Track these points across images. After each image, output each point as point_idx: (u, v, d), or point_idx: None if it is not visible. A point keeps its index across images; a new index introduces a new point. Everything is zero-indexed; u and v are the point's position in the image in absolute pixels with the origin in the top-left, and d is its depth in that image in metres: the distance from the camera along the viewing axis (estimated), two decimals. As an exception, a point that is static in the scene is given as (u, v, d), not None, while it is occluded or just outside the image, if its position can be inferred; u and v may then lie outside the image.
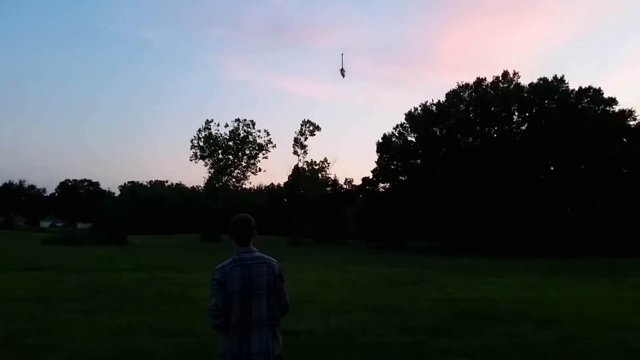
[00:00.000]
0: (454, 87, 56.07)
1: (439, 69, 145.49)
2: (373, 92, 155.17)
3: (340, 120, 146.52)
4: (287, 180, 68.27)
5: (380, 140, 60.24)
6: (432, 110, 56.52)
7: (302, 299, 11.00)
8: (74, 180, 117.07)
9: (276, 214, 77.34)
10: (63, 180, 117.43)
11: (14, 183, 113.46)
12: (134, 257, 26.34)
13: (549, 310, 11.04)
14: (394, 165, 59.87)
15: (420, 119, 56.96)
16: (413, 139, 58.63)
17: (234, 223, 3.29)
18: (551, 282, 18.12)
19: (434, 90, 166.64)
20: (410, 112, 58.66)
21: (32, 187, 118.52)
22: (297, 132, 65.11)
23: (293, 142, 65.19)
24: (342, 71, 38.03)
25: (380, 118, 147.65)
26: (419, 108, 57.98)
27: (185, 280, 15.88)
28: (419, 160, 57.81)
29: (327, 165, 66.98)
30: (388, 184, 61.79)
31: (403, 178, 59.58)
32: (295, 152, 65.36)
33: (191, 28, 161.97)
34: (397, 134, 59.67)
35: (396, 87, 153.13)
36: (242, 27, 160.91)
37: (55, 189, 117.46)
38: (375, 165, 61.12)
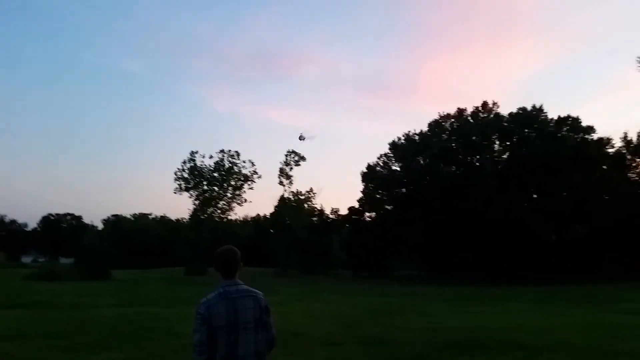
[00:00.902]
0: (436, 117, 57.15)
1: (421, 98, 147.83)
2: (356, 122, 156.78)
3: (325, 150, 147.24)
4: (273, 210, 68.02)
5: (365, 170, 60.65)
6: (415, 140, 57.30)
7: (289, 332, 10.85)
8: (56, 214, 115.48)
9: (262, 245, 76.69)
10: (45, 214, 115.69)
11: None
12: (117, 292, 25.82)
13: (538, 338, 11.04)
14: (379, 194, 60.16)
15: (403, 149, 57.65)
16: (397, 168, 59.18)
17: (219, 255, 3.26)
18: (539, 309, 18.17)
19: (416, 120, 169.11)
20: (394, 141, 59.37)
21: (13, 221, 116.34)
22: (282, 162, 65.33)
23: (278, 173, 65.29)
24: (301, 137, 38.92)
25: (365, 147, 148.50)
26: (402, 138, 58.78)
27: (169, 315, 15.59)
28: (403, 189, 58.23)
29: (313, 195, 66.98)
30: (374, 213, 61.93)
31: (389, 207, 59.82)
32: (280, 183, 65.33)
33: (176, 60, 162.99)
34: (381, 164, 60.21)
35: (379, 116, 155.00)
36: (227, 59, 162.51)
37: (37, 224, 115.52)
38: (360, 195, 61.38)
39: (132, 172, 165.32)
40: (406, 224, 51.59)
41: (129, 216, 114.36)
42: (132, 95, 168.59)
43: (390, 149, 59.69)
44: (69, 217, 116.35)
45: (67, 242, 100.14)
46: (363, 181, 60.52)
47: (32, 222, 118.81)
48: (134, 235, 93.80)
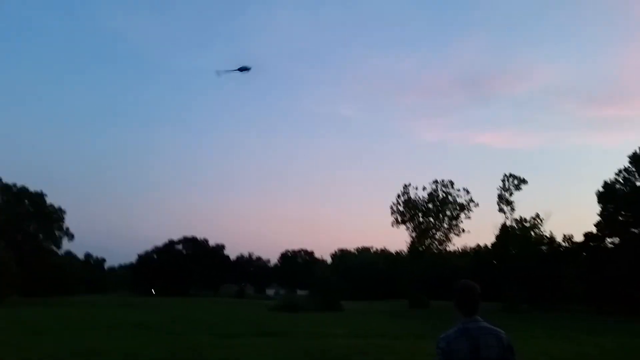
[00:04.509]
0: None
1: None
2: (584, 136, 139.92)
3: (549, 170, 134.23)
4: (494, 240, 64.39)
5: (602, 189, 53.47)
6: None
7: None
8: (292, 250, 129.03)
9: (485, 278, 72.72)
10: (283, 251, 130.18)
11: (244, 255, 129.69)
12: (348, 323, 27.36)
13: None
14: (621, 216, 52.15)
15: (649, 161, 49.20)
16: (643, 184, 50.62)
17: (459, 292, 3.20)
18: None
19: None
20: (635, 153, 51.31)
21: (259, 258, 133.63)
22: (500, 187, 61.85)
23: (497, 199, 61.90)
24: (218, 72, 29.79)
25: (597, 164, 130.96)
26: (646, 148, 50.30)
27: (399, 347, 15.85)
28: (653, 208, 49.32)
29: (539, 221, 61.45)
30: (616, 239, 53.72)
31: (635, 230, 51.25)
32: (501, 210, 61.78)
33: (382, 98, 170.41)
34: (621, 180, 52.44)
35: (613, 127, 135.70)
36: (432, 89, 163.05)
37: (277, 259, 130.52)
38: (598, 218, 54.03)
39: (354, 207, 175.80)
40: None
41: (353, 250, 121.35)
42: (348, 137, 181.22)
43: (631, 162, 51.75)
44: (302, 253, 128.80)
45: (302, 275, 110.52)
46: (600, 202, 53.34)
47: (274, 258, 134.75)
48: (358, 269, 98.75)
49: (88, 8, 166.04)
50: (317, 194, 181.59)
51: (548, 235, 62.42)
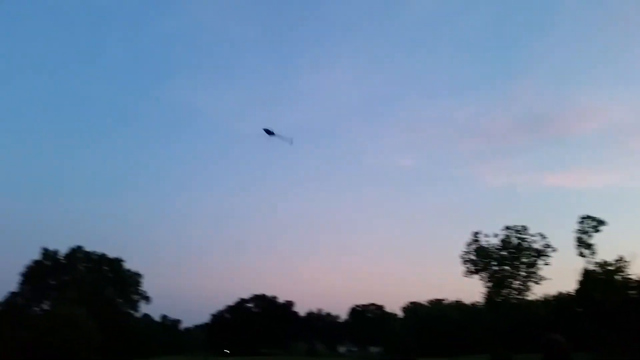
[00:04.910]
0: None
1: None
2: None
3: (630, 209, 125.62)
4: (577, 286, 60.31)
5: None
6: None
7: None
8: (362, 305, 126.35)
9: (569, 326, 67.70)
10: (353, 305, 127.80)
11: (314, 312, 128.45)
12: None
13: None
14: None
15: None
16: None
17: (549, 348, 3.11)
18: None
19: None
20: None
21: (328, 314, 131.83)
22: (578, 230, 58.50)
23: (576, 243, 58.43)
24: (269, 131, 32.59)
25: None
26: None
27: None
28: None
29: (624, 264, 57.18)
30: None
31: None
32: (580, 254, 58.16)
33: (441, 147, 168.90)
34: None
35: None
36: (494, 133, 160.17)
37: (347, 315, 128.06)
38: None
39: (423, 259, 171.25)
40: None
41: (425, 303, 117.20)
42: (408, 186, 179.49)
43: None
44: (372, 307, 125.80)
45: (373, 330, 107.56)
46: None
47: (343, 313, 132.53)
48: (432, 322, 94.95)
49: (163, 86, 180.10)
50: (383, 246, 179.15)
51: (635, 279, 57.71)
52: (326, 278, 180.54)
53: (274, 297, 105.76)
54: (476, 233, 64.49)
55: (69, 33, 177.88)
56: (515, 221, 67.80)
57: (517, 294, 63.63)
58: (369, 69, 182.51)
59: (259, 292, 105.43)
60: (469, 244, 64.46)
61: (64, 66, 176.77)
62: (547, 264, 61.03)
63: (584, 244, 57.83)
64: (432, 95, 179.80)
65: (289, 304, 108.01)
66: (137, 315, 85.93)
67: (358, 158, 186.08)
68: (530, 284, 62.47)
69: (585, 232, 57.99)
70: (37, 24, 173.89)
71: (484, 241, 63.85)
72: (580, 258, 58.28)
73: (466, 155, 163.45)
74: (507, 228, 63.15)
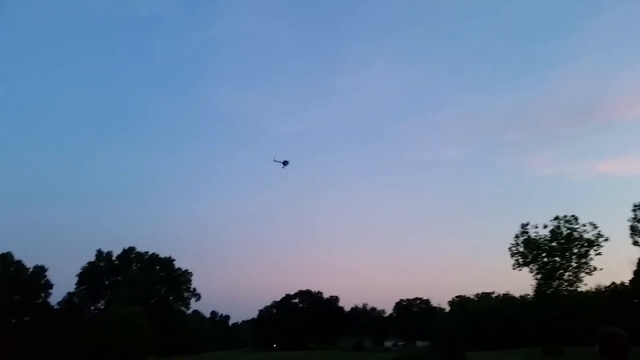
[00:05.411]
0: None
1: None
2: None
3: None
4: (632, 276, 58.22)
5: None
6: None
7: None
8: (407, 299, 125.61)
9: (623, 320, 65.24)
10: (398, 300, 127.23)
11: (359, 307, 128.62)
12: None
13: None
14: None
15: None
16: None
17: (607, 342, 3.04)
18: None
19: None
20: None
21: (373, 309, 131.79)
22: (632, 219, 56.36)
23: (629, 231, 56.36)
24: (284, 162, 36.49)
25: None
26: None
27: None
28: None
29: (683, 252, 54.84)
30: None
31: None
32: (635, 243, 56.06)
33: (485, 138, 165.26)
34: None
35: None
36: (539, 122, 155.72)
37: (393, 309, 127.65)
38: None
39: (469, 251, 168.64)
40: None
41: (472, 296, 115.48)
42: (455, 179, 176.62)
43: None
44: (418, 302, 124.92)
45: (419, 325, 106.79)
46: None
47: (388, 308, 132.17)
48: (480, 316, 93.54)
49: (203, 88, 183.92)
50: (428, 240, 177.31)
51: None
52: (371, 273, 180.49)
53: (319, 293, 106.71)
54: (525, 224, 63.00)
55: (115, 43, 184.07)
56: (565, 211, 65.87)
57: (568, 286, 61.81)
58: (408, 64, 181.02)
59: (304, 288, 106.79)
60: (517, 236, 63.02)
61: (120, 77, 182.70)
62: (599, 254, 58.96)
63: (638, 233, 55.73)
64: (475, 85, 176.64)
65: (334, 299, 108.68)
66: (188, 312, 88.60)
67: (402, 153, 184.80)
68: (581, 275, 60.54)
69: (639, 221, 55.87)
70: (81, 33, 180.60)
71: (532, 232, 62.29)
72: (635, 247, 56.27)
73: (512, 145, 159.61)
74: (557, 218, 61.38)
